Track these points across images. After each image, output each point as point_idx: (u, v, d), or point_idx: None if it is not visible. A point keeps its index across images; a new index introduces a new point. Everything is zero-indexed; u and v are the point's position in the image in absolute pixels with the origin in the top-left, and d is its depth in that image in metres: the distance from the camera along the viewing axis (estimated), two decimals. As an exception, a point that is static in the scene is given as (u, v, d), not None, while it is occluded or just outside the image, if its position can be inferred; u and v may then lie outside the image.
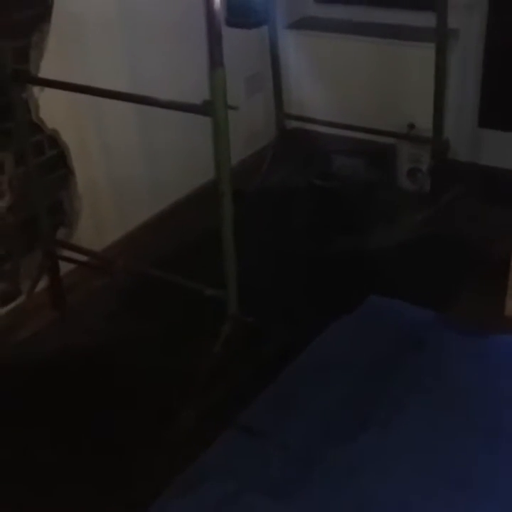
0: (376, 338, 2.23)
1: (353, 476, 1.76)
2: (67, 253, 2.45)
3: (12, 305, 2.37)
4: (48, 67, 2.28)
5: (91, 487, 1.81)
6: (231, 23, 2.64)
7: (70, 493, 1.80)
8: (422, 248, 2.70)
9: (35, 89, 2.27)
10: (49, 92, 2.26)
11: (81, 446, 1.94)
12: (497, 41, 3.02)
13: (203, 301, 2.13)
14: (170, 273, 2.29)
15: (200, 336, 2.17)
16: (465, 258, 2.62)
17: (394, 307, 2.34)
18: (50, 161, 2.39)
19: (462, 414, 1.94)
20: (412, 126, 3.07)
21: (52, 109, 2.33)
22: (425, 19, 2.87)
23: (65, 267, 2.47)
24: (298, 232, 2.84)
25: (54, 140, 2.38)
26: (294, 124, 3.39)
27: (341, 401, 1.99)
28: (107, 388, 2.12)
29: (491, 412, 1.94)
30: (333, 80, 3.29)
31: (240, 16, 2.67)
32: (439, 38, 2.74)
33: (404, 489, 1.73)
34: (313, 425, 1.91)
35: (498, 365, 2.10)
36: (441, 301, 2.37)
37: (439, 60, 2.77)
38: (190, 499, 1.70)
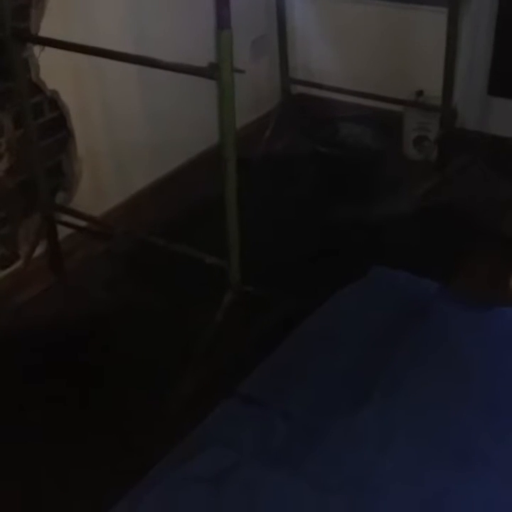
0: (379, 309, 2.20)
1: (353, 447, 1.75)
2: (66, 218, 2.42)
3: (10, 269, 2.35)
4: (49, 27, 2.22)
5: (89, 455, 1.81)
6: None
7: (68, 460, 1.80)
8: (428, 218, 2.67)
9: (36, 49, 2.21)
10: (50, 52, 2.21)
11: (79, 414, 1.93)
12: (509, 8, 2.94)
13: (204, 270, 2.10)
14: (171, 240, 2.26)
15: (201, 305, 2.15)
16: (472, 229, 2.59)
17: (398, 278, 2.31)
18: (49, 123, 2.35)
19: (462, 387, 1.93)
20: (420, 93, 3.01)
21: (53, 69, 2.28)
22: (437, -18, 2.80)
23: (63, 232, 2.44)
24: (302, 201, 2.80)
25: (54, 102, 2.34)
26: (299, 89, 3.33)
27: (343, 371, 1.97)
28: (105, 355, 2.11)
29: (491, 384, 1.93)
30: (341, 45, 3.23)
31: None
32: (451, 2, 2.67)
33: (403, 460, 1.72)
34: (315, 395, 1.90)
35: (501, 337, 2.08)
36: (445, 273, 2.34)
37: (451, 25, 2.71)
38: (186, 468, 1.68)
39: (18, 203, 2.32)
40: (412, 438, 1.78)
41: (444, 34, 2.73)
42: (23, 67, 2.16)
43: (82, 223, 2.45)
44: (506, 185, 2.70)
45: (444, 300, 2.22)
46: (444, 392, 1.91)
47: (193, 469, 1.69)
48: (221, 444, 1.75)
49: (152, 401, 1.93)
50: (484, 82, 3.09)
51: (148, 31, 2.59)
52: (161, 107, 2.74)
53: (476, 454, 1.73)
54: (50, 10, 2.22)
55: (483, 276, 2.33)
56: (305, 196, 2.83)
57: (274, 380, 1.95)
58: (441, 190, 2.81)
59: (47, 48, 2.20)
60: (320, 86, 3.21)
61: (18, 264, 2.36)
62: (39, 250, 2.39)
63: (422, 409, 1.86)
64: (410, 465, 1.71)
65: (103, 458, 1.79)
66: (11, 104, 2.18)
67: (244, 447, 1.75)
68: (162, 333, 2.17)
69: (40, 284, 2.37)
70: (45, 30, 2.22)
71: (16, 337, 2.18)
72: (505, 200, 2.59)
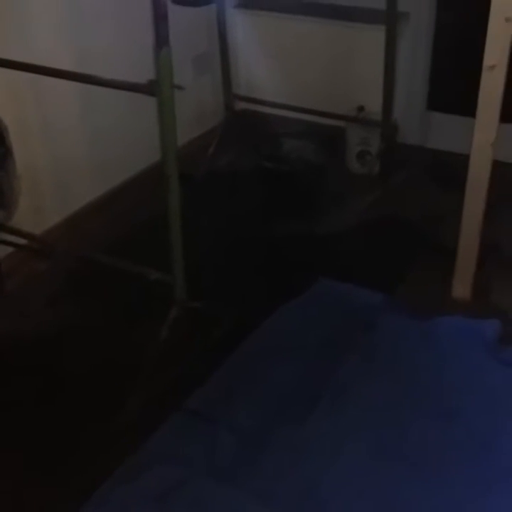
0: (325, 320, 2.22)
1: (301, 458, 1.77)
2: (5, 236, 2.36)
3: None
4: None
5: (35, 474, 1.77)
6: (177, 0, 2.58)
7: (15, 480, 1.75)
8: (371, 231, 2.71)
9: (-29, 66, 2.17)
10: (-14, 68, 2.17)
11: (24, 435, 1.88)
12: (447, 25, 3.03)
13: (149, 286, 2.09)
14: (114, 257, 2.23)
15: (147, 322, 2.13)
16: (414, 241, 2.63)
17: (343, 290, 2.34)
18: (-13, 140, 2.29)
19: (410, 395, 1.96)
20: (361, 108, 3.06)
21: (-10, 86, 2.24)
22: (376, 1, 2.85)
23: (3, 251, 2.39)
24: (247, 216, 2.81)
25: (-9, 119, 2.29)
26: (242, 105, 3.34)
27: (291, 383, 1.99)
28: (50, 375, 2.06)
29: (437, 392, 1.97)
30: (283, 61, 3.25)
31: (187, -6, 2.61)
32: (390, 20, 2.74)
33: (352, 470, 1.74)
34: (262, 408, 1.91)
35: (444, 346, 2.13)
36: (390, 283, 2.38)
37: (389, 42, 2.76)
38: (135, 486, 1.67)
39: (-45, 222, 2.26)
40: (359, 446, 1.79)
41: (383, 51, 2.79)
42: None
43: (23, 241, 2.40)
44: (446, 197, 2.75)
45: (389, 310, 2.26)
46: (391, 400, 1.94)
47: (140, 488, 1.68)
48: (168, 461, 1.74)
49: (99, 418, 1.89)
50: (423, 98, 3.16)
51: (88, 48, 2.57)
52: (102, 123, 2.72)
53: (423, 459, 1.76)
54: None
55: (426, 286, 2.37)
56: (250, 211, 2.83)
57: (221, 394, 1.95)
58: (383, 203, 2.85)
59: (-17, 65, 2.16)
60: (263, 102, 3.23)
61: (-44, 284, 2.30)
62: (-22, 270, 2.33)
63: (369, 417, 1.89)
64: (359, 473, 1.73)
65: (49, 477, 1.75)
66: None
67: (191, 463, 1.74)
68: (108, 351, 2.13)
69: (-21, 305, 2.31)
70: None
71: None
72: (445, 212, 2.64)
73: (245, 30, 3.28)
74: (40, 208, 2.56)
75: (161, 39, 1.70)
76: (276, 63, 3.26)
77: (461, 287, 2.29)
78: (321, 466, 1.74)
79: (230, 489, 1.66)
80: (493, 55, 1.90)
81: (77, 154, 2.65)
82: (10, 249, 2.41)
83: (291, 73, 3.25)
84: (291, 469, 1.73)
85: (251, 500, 1.64)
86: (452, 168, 2.87)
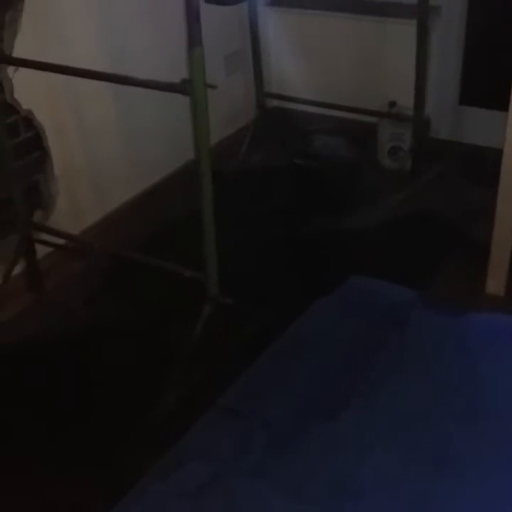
0: (357, 318, 2.22)
1: (333, 454, 1.77)
2: (44, 236, 2.42)
3: (-12, 289, 2.34)
4: (23, 47, 2.23)
5: (72, 471, 1.80)
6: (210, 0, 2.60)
7: (50, 476, 1.79)
8: (404, 227, 2.70)
9: (10, 70, 2.22)
10: (24, 72, 2.21)
11: (62, 431, 1.92)
12: (479, 18, 3.00)
13: (183, 284, 2.11)
14: (149, 255, 2.26)
15: (181, 319, 2.15)
16: (446, 237, 2.61)
17: (375, 287, 2.34)
18: (25, 142, 2.35)
19: (441, 392, 1.95)
20: (393, 104, 3.05)
21: (28, 89, 2.28)
22: (407, -4, 2.84)
23: (42, 251, 2.44)
24: (279, 213, 2.82)
25: (29, 121, 2.34)
26: (274, 103, 3.36)
27: (322, 380, 1.99)
28: (86, 372, 2.10)
29: (469, 390, 1.95)
30: (314, 58, 3.26)
31: (219, -7, 2.63)
32: (421, 14, 2.72)
33: (383, 467, 1.74)
34: (295, 404, 1.91)
35: (477, 343, 2.11)
36: (422, 280, 2.37)
37: (421, 37, 2.75)
38: (170, 482, 1.69)
39: (-5, 222, 2.32)
40: (391, 444, 1.79)
41: (415, 46, 2.77)
42: (-3, 87, 2.17)
43: (61, 241, 2.45)
44: (479, 193, 2.73)
45: (422, 307, 2.25)
46: (423, 398, 1.93)
47: (176, 484, 1.70)
48: (202, 457, 1.76)
49: (134, 415, 1.92)
50: (456, 92, 3.14)
51: (122, 48, 2.61)
52: (136, 123, 2.76)
53: (455, 459, 1.75)
54: (24, 30, 2.23)
55: (459, 283, 2.35)
56: (282, 208, 2.84)
57: (253, 391, 1.96)
58: (416, 199, 2.84)
59: (21, 68, 2.21)
60: (295, 99, 3.24)
61: (-3, 283, 2.35)
62: (18, 269, 2.38)
63: (401, 415, 1.88)
64: (390, 472, 1.72)
65: (85, 474, 1.78)
66: (-15, 125, 2.19)
67: (224, 459, 1.76)
68: (143, 348, 2.16)
69: (19, 304, 2.36)
70: (19, 51, 2.22)
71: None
72: (478, 208, 2.62)
73: (276, 28, 3.29)
74: (78, 208, 2.60)
75: (194, 39, 1.72)
76: (307, 60, 3.27)
77: (495, 284, 2.28)
78: (352, 464, 1.74)
79: (263, 485, 1.67)
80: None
81: (113, 155, 2.69)
82: (48, 249, 2.46)
83: (322, 70, 3.26)
84: (323, 467, 1.73)
85: (283, 497, 1.65)
86: (485, 163, 2.86)
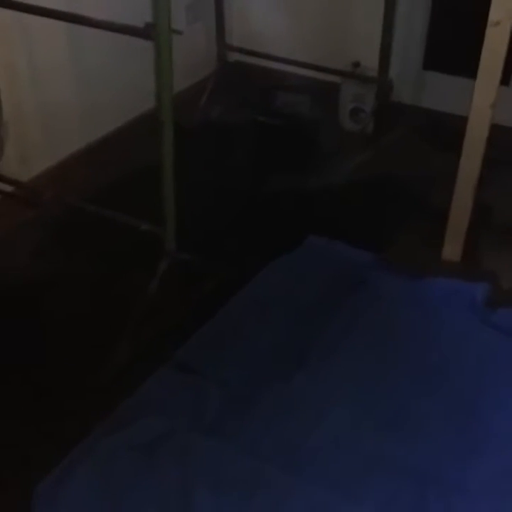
0: (315, 278, 2.22)
1: (288, 414, 1.78)
2: (-10, 183, 2.32)
3: None
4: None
5: (23, 424, 1.76)
6: None
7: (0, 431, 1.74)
8: (363, 189, 2.68)
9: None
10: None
11: (9, 384, 1.86)
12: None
13: (139, 239, 2.06)
14: (104, 207, 2.19)
15: (136, 274, 2.11)
16: (406, 201, 2.61)
17: (333, 248, 2.33)
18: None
19: (396, 356, 1.97)
20: (357, 64, 3.01)
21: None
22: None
23: (-12, 198, 2.35)
24: (238, 170, 2.77)
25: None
26: (236, 56, 3.28)
27: (279, 339, 1.99)
28: (35, 326, 2.03)
29: (424, 353, 1.98)
30: (279, 12, 3.18)
31: None
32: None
33: (337, 426, 1.75)
34: (250, 363, 1.91)
35: (432, 306, 2.13)
36: (380, 243, 2.37)
37: (388, -2, 2.71)
38: (121, 436, 1.67)
39: None
40: (346, 404, 1.81)
41: (382, 6, 2.73)
42: None
43: (8, 188, 2.35)
44: (439, 158, 2.73)
45: (380, 269, 2.26)
46: (378, 359, 1.95)
47: (127, 438, 1.68)
48: (155, 413, 1.74)
49: (85, 370, 1.88)
50: (420, 57, 3.11)
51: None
52: (92, 67, 2.64)
53: (410, 417, 1.78)
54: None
55: (417, 247, 2.37)
56: (241, 164, 2.79)
57: (209, 348, 1.94)
58: (376, 162, 2.83)
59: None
60: (257, 54, 3.17)
61: None
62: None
63: (356, 376, 1.90)
64: (344, 431, 1.74)
65: (36, 428, 1.74)
66: None
67: (178, 415, 1.74)
68: (95, 301, 2.11)
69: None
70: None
71: None
72: (437, 173, 2.62)
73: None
74: (27, 155, 2.49)
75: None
76: (271, 14, 3.19)
77: (452, 249, 2.29)
78: (306, 423, 1.75)
79: (217, 442, 1.66)
80: (498, 10, 1.85)
81: (66, 99, 2.57)
82: (-5, 197, 2.36)
83: (287, 25, 3.18)
84: (277, 426, 1.74)
85: (237, 454, 1.65)
86: (447, 129, 2.85)
